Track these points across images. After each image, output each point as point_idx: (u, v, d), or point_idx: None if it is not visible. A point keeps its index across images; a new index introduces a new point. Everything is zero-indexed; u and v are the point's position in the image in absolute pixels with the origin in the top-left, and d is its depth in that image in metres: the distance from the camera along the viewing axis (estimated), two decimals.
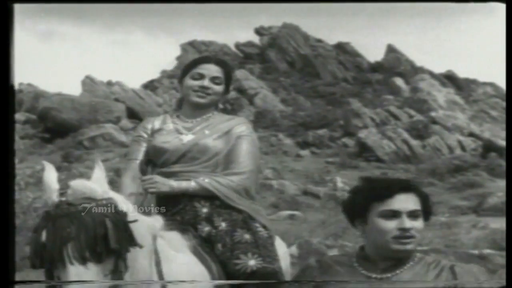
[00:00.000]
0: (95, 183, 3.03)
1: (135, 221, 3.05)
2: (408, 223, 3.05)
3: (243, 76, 51.29)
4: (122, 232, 2.91)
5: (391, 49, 63.02)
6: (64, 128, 37.26)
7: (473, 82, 56.16)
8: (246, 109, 47.32)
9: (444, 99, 44.23)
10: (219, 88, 3.98)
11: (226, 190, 3.77)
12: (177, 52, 63.20)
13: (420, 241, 3.15)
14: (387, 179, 3.41)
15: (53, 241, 2.83)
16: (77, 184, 3.00)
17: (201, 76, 3.94)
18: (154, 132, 4.00)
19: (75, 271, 2.81)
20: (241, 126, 3.97)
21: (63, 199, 2.94)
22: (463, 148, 34.02)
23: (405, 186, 3.15)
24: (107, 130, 36.03)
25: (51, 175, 3.05)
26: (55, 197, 2.97)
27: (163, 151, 3.89)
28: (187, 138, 3.90)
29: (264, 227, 3.84)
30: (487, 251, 13.12)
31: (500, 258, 12.28)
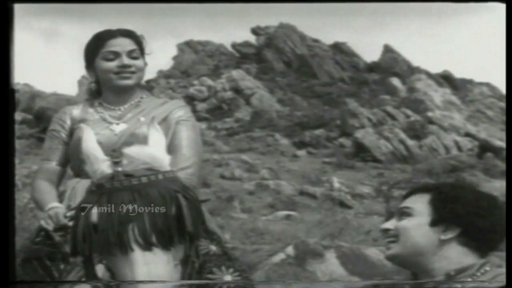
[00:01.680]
0: (155, 149, 2.50)
1: (208, 200, 2.64)
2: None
3: (240, 76, 51.20)
4: (197, 212, 2.40)
5: (387, 49, 62.98)
6: None
7: (469, 82, 56.14)
8: (242, 109, 47.25)
9: (440, 99, 44.23)
10: (140, 63, 3.36)
11: None
12: (174, 52, 63.07)
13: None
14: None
15: (110, 222, 2.29)
16: (135, 151, 2.46)
17: (116, 55, 3.31)
18: (74, 123, 3.33)
19: (141, 258, 2.27)
20: (179, 110, 3.38)
21: (119, 169, 2.40)
22: (459, 148, 33.99)
23: None
24: None
25: (92, 142, 2.52)
26: (105, 168, 2.42)
27: None
28: (119, 127, 3.30)
29: (219, 237, 3.25)
30: None
31: (496, 259, 12.25)
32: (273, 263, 12.06)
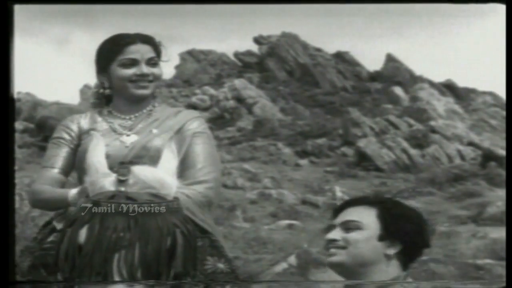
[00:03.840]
0: (166, 173, 2.32)
1: (207, 237, 2.44)
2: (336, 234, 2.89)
3: (242, 85, 51.15)
4: (191, 251, 2.25)
5: (390, 58, 62.93)
6: None
7: (473, 91, 56.02)
8: (245, 118, 47.19)
9: (443, 108, 44.11)
10: (158, 71, 3.21)
11: (192, 206, 2.86)
12: (176, 61, 63.06)
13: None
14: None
15: (97, 246, 2.12)
16: (144, 172, 2.29)
17: (134, 62, 3.14)
18: (82, 133, 3.16)
19: None
20: (193, 121, 3.18)
21: (122, 189, 2.22)
22: (462, 157, 33.92)
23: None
24: None
25: (99, 152, 2.36)
26: (107, 183, 2.26)
27: None
28: (130, 139, 3.09)
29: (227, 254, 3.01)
30: (486, 261, 13.07)
31: (500, 268, 12.23)
32: (275, 273, 12.03)
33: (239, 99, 49.56)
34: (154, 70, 3.19)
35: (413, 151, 33.76)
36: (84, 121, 3.21)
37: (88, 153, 2.41)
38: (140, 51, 3.14)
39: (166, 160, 2.43)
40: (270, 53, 61.72)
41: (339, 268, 2.88)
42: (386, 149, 33.57)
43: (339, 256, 2.84)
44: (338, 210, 2.93)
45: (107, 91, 3.23)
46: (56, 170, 3.11)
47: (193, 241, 2.30)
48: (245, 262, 13.30)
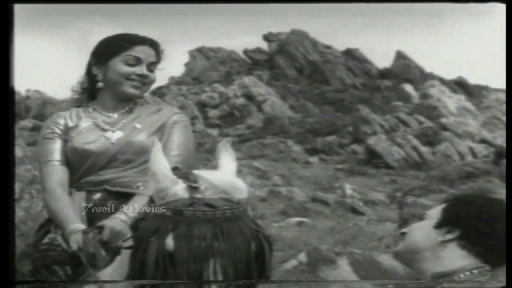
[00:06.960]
0: (233, 177, 2.25)
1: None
2: None
3: (252, 82, 51.22)
4: (272, 254, 2.19)
5: (400, 56, 62.91)
6: None
7: (485, 88, 55.86)
8: (254, 116, 47.25)
9: (454, 105, 44.08)
10: (153, 76, 3.25)
11: None
12: (185, 58, 63.20)
13: None
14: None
15: (190, 254, 2.06)
16: (212, 176, 2.21)
17: (138, 61, 3.19)
18: (68, 129, 3.22)
19: None
20: (173, 116, 3.27)
21: (198, 196, 2.15)
22: (474, 154, 33.90)
23: None
24: None
25: (162, 158, 2.29)
26: (180, 191, 2.17)
27: (87, 154, 3.13)
28: (115, 135, 3.16)
29: None
30: None
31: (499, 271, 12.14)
32: (285, 270, 11.97)
33: (249, 97, 49.67)
34: (152, 75, 3.24)
35: (424, 149, 33.76)
36: (69, 118, 3.26)
37: (151, 159, 2.31)
38: (146, 52, 3.21)
39: (225, 162, 2.32)
40: (280, 50, 61.77)
41: (398, 257, 2.87)
42: (396, 147, 33.58)
43: (398, 246, 2.85)
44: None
45: (100, 85, 3.25)
46: (59, 163, 3.16)
47: (272, 243, 2.22)
48: None
